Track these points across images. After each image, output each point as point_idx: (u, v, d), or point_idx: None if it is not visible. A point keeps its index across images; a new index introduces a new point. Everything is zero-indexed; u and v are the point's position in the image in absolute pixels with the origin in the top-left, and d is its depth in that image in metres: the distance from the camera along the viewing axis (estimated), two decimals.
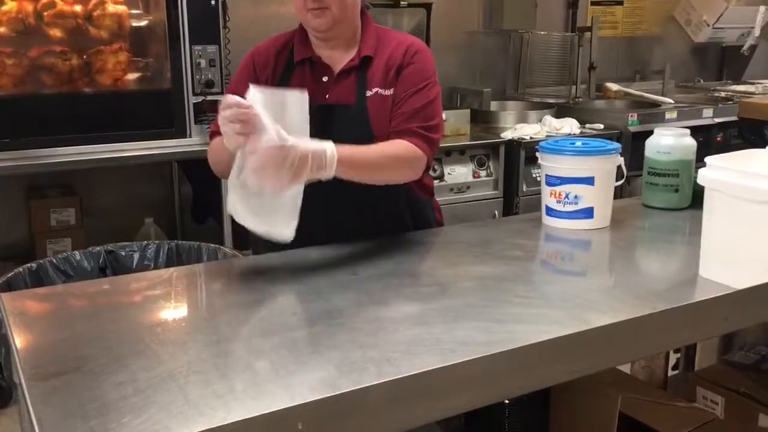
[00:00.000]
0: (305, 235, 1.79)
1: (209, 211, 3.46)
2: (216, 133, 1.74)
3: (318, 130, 1.61)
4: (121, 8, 3.06)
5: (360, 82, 1.80)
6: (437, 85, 1.86)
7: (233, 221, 3.26)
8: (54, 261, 1.90)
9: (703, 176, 1.54)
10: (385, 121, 1.78)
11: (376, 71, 1.82)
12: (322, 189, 1.73)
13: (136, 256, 2.00)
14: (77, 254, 1.94)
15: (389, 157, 1.73)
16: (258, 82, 1.79)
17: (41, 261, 1.90)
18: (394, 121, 1.80)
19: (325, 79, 1.82)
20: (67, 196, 3.30)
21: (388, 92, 1.80)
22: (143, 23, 3.17)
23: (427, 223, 1.97)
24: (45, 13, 2.94)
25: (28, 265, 1.89)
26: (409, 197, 1.92)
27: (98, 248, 1.99)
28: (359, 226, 1.83)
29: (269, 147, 1.41)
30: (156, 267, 2.00)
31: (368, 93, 1.80)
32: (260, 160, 1.42)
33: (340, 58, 1.83)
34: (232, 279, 1.68)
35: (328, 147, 1.55)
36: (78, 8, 2.99)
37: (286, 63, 1.84)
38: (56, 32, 2.94)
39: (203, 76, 3.09)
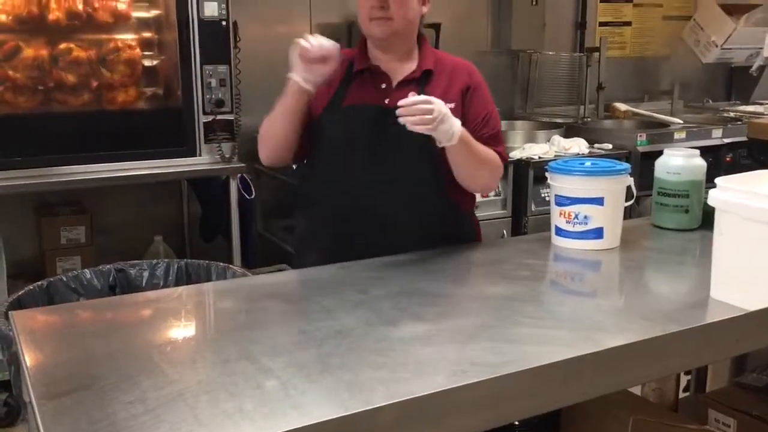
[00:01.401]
0: (345, 243, 1.88)
1: (218, 230, 3.46)
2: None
3: (378, 131, 1.81)
4: (135, 52, 3.12)
5: (419, 93, 1.88)
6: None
7: (242, 240, 3.29)
8: (64, 279, 1.90)
9: (714, 197, 1.53)
10: None
11: (437, 85, 1.94)
12: (370, 196, 1.87)
13: (146, 274, 2.01)
14: (87, 272, 1.94)
15: (489, 158, 1.93)
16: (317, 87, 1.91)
17: (52, 279, 1.91)
18: (480, 139, 1.92)
19: (383, 86, 1.94)
20: (78, 214, 3.31)
21: (450, 105, 1.88)
22: (155, 62, 3.22)
23: (467, 236, 2.04)
24: (60, 59, 2.99)
25: (39, 282, 1.90)
26: (455, 208, 2.00)
27: (108, 266, 1.99)
28: (403, 235, 1.89)
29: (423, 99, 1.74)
30: (165, 285, 2.00)
31: None
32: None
33: (398, 70, 1.95)
34: (241, 298, 1.68)
35: (457, 122, 1.78)
36: (92, 53, 3.04)
37: (346, 73, 1.95)
38: (70, 77, 3.00)
39: (213, 96, 3.12)
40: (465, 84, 1.97)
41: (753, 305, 1.45)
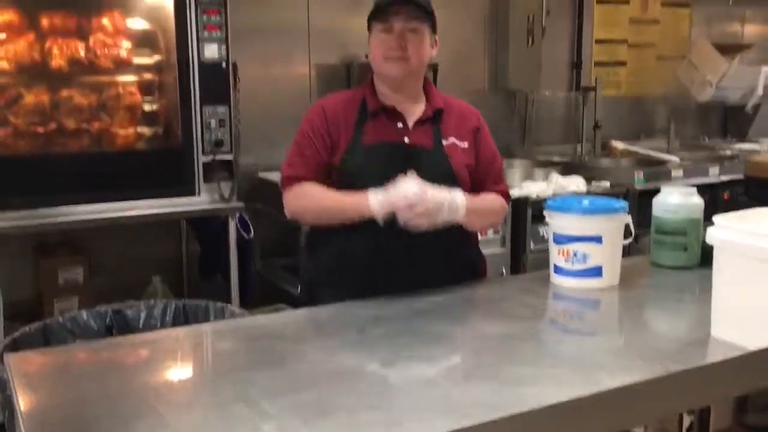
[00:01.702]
0: (367, 277, 1.91)
1: (217, 269, 3.46)
2: (299, 179, 1.94)
3: (401, 168, 1.87)
4: (136, 97, 3.14)
5: (435, 132, 2.01)
6: None
7: (241, 279, 3.27)
8: (61, 320, 1.89)
9: (712, 235, 1.53)
10: (461, 166, 1.99)
11: (449, 124, 2.03)
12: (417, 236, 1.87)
13: (143, 315, 1.99)
14: (84, 314, 1.93)
15: (495, 210, 2.08)
16: (330, 128, 1.97)
17: (48, 321, 1.90)
18: (489, 179, 2.06)
19: (400, 125, 2.00)
20: (76, 254, 3.30)
21: (464, 144, 2.02)
22: (155, 106, 3.24)
23: (479, 269, 2.14)
24: (61, 105, 3.01)
25: (35, 324, 1.88)
26: (474, 245, 2.11)
27: (105, 307, 1.98)
28: (424, 269, 1.93)
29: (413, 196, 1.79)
30: (163, 326, 1.99)
31: (444, 142, 2.00)
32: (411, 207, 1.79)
33: (410, 110, 2.02)
34: (238, 339, 1.67)
35: (459, 198, 1.86)
36: (93, 99, 3.07)
37: (359, 113, 2.00)
38: (71, 122, 3.03)
39: (213, 136, 3.14)
40: (475, 125, 2.07)
41: (754, 344, 1.44)
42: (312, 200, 1.97)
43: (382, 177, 1.91)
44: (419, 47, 1.96)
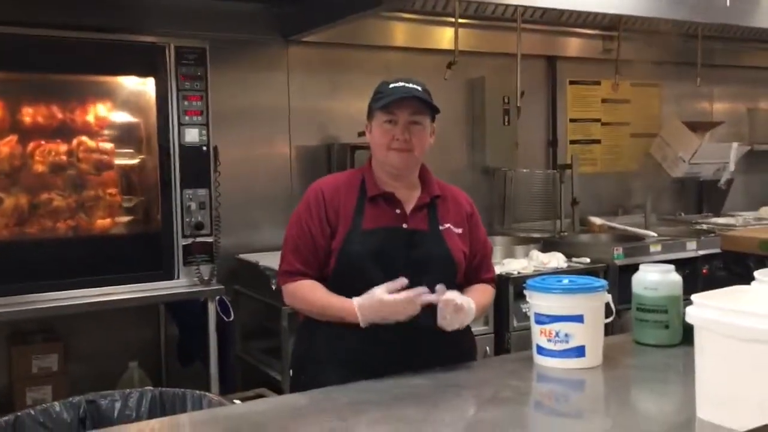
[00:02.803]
0: (367, 355, 1.93)
1: (196, 354, 3.39)
2: (293, 275, 1.99)
3: (401, 251, 1.96)
4: (116, 199, 3.14)
5: (432, 217, 2.05)
6: None
7: (221, 364, 3.21)
8: (32, 413, 1.82)
9: (691, 314, 1.53)
10: (458, 251, 2.04)
11: (446, 210, 2.08)
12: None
13: (118, 405, 1.93)
14: (57, 405, 1.86)
15: (489, 303, 2.19)
16: (328, 212, 2.00)
17: (19, 413, 1.83)
18: (482, 267, 2.14)
19: (398, 211, 2.03)
20: (50, 341, 3.23)
21: (459, 230, 2.07)
22: (134, 202, 3.23)
23: (472, 352, 2.15)
24: (41, 207, 2.99)
25: (6, 417, 1.81)
26: (468, 329, 2.08)
27: (78, 398, 1.91)
28: (427, 355, 1.94)
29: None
30: (138, 417, 1.92)
31: (441, 227, 2.05)
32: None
33: (407, 196, 2.06)
34: (216, 430, 1.62)
35: (470, 303, 1.92)
36: (72, 200, 3.05)
37: (358, 197, 2.03)
38: (48, 222, 3.02)
39: (193, 219, 3.13)
40: (467, 211, 2.13)
41: (740, 425, 1.41)
42: (303, 302, 2.02)
43: (382, 262, 1.95)
44: (422, 138, 2.01)
